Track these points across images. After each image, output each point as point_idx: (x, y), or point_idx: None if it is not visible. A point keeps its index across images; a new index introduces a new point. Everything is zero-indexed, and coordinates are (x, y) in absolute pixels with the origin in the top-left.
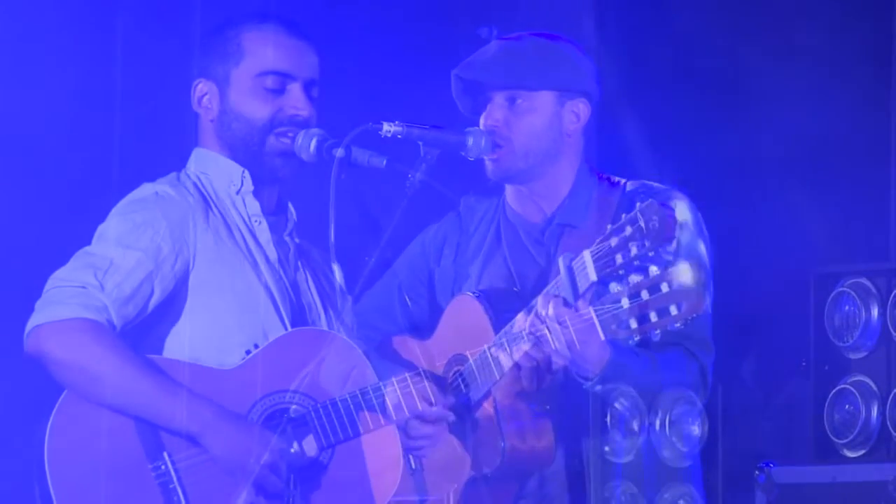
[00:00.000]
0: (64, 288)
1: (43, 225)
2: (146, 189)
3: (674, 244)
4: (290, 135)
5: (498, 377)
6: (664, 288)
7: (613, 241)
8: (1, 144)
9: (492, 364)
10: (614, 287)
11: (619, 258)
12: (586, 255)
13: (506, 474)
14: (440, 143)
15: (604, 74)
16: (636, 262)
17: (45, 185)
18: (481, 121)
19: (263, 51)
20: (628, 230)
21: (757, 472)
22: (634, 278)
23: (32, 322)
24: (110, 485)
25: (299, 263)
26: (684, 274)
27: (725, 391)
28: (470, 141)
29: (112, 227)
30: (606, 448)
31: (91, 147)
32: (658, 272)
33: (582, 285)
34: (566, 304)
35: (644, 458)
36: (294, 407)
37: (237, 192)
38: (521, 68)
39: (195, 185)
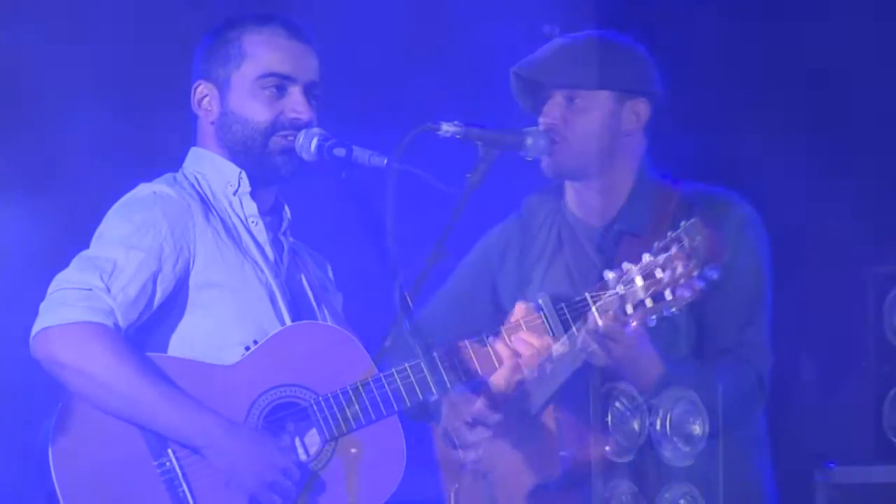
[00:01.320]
0: (70, 290)
1: (40, 227)
2: (143, 189)
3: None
4: (290, 138)
5: (557, 386)
6: (658, 274)
7: (660, 259)
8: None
9: (549, 372)
10: (609, 274)
11: (665, 277)
12: (634, 272)
13: (567, 483)
14: (499, 144)
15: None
16: (681, 281)
17: (43, 187)
18: (540, 119)
19: (264, 53)
20: (674, 249)
21: (817, 472)
22: (628, 265)
23: (39, 324)
24: (115, 483)
25: (294, 262)
26: (678, 259)
27: (784, 391)
28: (529, 141)
29: (112, 229)
30: (607, 448)
31: (89, 147)
32: (651, 259)
33: (630, 303)
34: (616, 320)
35: (646, 458)
36: (295, 400)
37: (234, 193)
38: (579, 67)
39: (192, 185)
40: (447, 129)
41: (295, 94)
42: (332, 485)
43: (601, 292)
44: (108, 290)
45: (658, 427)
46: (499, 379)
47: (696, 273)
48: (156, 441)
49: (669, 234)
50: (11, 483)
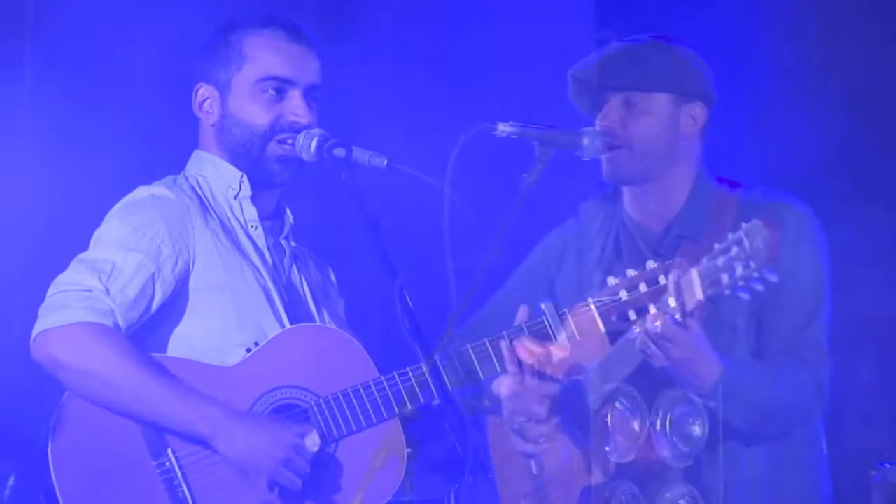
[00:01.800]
0: (69, 292)
1: (40, 229)
2: (142, 192)
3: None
4: (290, 142)
5: (613, 386)
6: (661, 280)
7: (720, 261)
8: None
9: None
10: (612, 280)
11: (724, 278)
12: (693, 274)
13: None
14: (555, 143)
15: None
16: (741, 283)
17: (43, 189)
18: (597, 121)
19: (265, 57)
20: (734, 251)
21: (873, 472)
22: (632, 272)
23: (39, 327)
24: (114, 483)
25: (294, 266)
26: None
27: (840, 390)
28: (585, 141)
29: (111, 231)
30: (607, 448)
31: (88, 150)
32: (656, 265)
33: (689, 304)
34: (673, 321)
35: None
36: (296, 402)
37: (235, 197)
38: (637, 70)
39: (192, 187)
40: (503, 128)
41: (295, 97)
42: (331, 487)
43: (603, 297)
44: (108, 292)
45: (658, 427)
46: (501, 382)
47: (755, 275)
48: (156, 441)
49: (730, 235)
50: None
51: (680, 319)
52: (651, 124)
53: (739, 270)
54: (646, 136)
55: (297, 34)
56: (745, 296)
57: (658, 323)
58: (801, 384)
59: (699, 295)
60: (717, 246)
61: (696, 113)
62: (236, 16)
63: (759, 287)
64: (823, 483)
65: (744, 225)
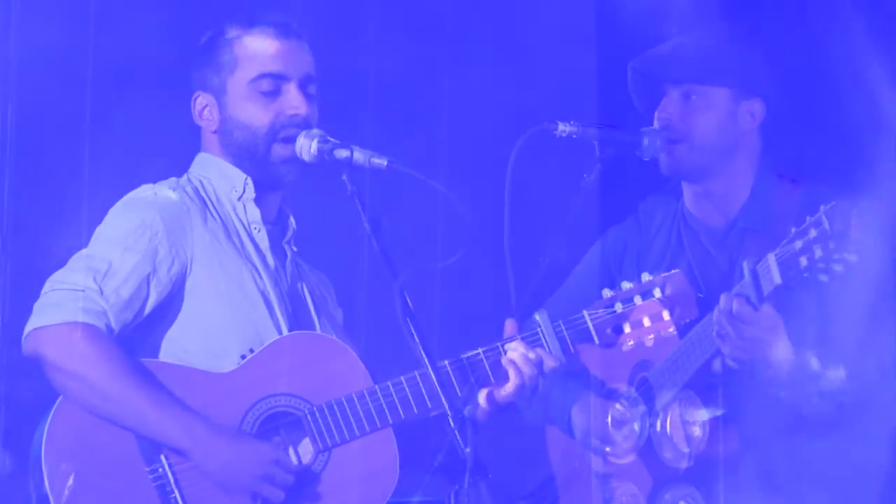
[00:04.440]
0: (63, 291)
1: (40, 226)
2: (145, 190)
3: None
4: (291, 145)
5: (686, 378)
6: (656, 293)
7: (798, 244)
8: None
9: (680, 366)
10: (607, 293)
11: (803, 261)
12: (770, 259)
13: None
14: (615, 143)
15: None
16: (821, 265)
17: (41, 187)
18: (656, 114)
19: (255, 55)
20: (812, 233)
21: None
22: (627, 284)
23: (32, 324)
24: (107, 488)
25: (297, 272)
26: (677, 280)
27: None
28: (645, 141)
29: (109, 229)
30: (607, 449)
31: (90, 147)
32: (651, 278)
33: (766, 288)
34: (749, 303)
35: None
36: (290, 410)
37: (239, 199)
38: (697, 64)
39: (195, 189)
40: (564, 128)
41: (291, 90)
42: (323, 495)
43: (599, 310)
44: (102, 292)
45: (658, 428)
46: (495, 393)
47: (836, 256)
48: (149, 447)
49: (808, 218)
50: (7, 486)
51: (757, 304)
52: (710, 119)
53: (819, 252)
54: (705, 131)
55: (285, 29)
56: (824, 278)
57: (734, 303)
58: (870, 377)
59: (777, 279)
60: (793, 229)
61: (755, 109)
62: (223, 20)
63: (840, 268)
64: (888, 482)
65: (823, 207)
